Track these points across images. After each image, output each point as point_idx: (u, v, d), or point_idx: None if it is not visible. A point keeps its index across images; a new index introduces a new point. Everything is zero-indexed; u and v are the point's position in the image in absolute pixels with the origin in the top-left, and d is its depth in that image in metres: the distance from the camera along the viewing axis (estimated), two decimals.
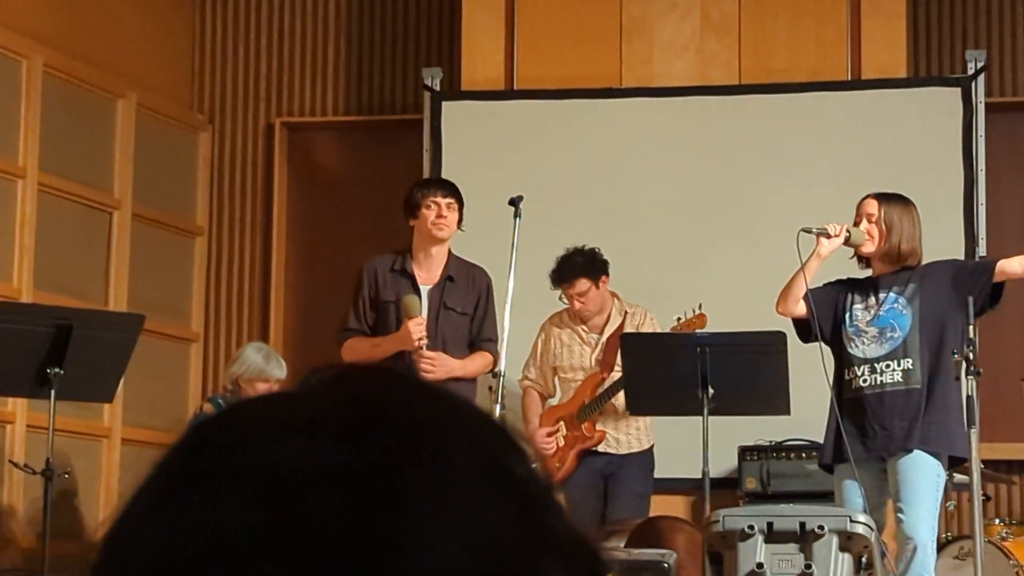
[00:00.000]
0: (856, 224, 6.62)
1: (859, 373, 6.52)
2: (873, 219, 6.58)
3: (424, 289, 7.07)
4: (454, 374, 6.96)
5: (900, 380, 6.45)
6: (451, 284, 7.09)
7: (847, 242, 6.62)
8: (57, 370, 6.73)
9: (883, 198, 6.64)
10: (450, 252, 7.17)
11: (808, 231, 6.63)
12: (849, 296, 6.61)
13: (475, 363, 7.09)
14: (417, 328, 6.83)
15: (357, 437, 0.85)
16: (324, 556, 0.82)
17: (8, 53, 8.31)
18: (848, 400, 6.53)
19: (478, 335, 7.10)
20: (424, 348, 6.85)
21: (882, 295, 6.54)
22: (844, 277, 6.72)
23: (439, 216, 7.04)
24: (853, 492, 6.43)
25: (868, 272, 6.68)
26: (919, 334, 6.46)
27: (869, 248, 6.58)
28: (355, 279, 7.23)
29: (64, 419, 7.10)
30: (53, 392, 6.74)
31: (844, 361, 6.57)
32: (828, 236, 6.61)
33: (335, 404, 0.88)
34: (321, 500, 0.83)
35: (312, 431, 0.85)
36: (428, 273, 7.11)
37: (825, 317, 6.63)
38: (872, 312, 6.55)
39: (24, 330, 6.71)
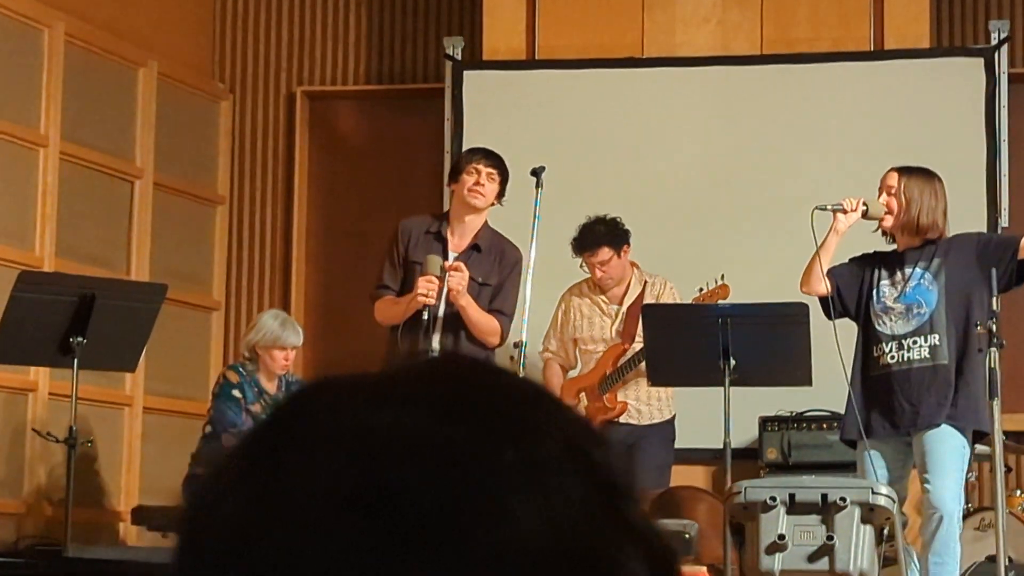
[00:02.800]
0: (880, 195, 6.60)
1: (887, 350, 6.51)
2: (893, 191, 6.56)
3: (452, 256, 7.05)
4: (471, 307, 6.90)
5: (927, 356, 6.44)
6: (477, 254, 7.06)
7: (865, 215, 6.60)
8: (80, 339, 6.75)
9: (905, 171, 6.62)
10: (486, 223, 7.13)
11: (823, 208, 6.62)
12: (876, 272, 6.59)
13: (487, 319, 7.03)
14: (425, 285, 6.80)
15: (450, 411, 0.87)
16: (410, 522, 0.83)
17: (30, 22, 8.32)
18: (875, 377, 6.52)
19: (491, 304, 7.05)
20: (428, 306, 6.80)
21: (908, 271, 6.52)
22: (870, 251, 6.70)
23: (476, 184, 7.01)
24: (876, 464, 6.43)
25: (893, 246, 6.66)
26: (945, 310, 6.45)
27: (888, 221, 6.57)
28: (390, 237, 7.21)
29: (86, 387, 7.13)
30: (76, 361, 6.76)
31: (871, 338, 6.55)
32: (844, 212, 6.59)
33: (430, 381, 0.90)
34: (412, 468, 0.84)
35: (406, 403, 0.88)
36: (460, 240, 7.08)
37: (850, 294, 6.62)
38: (899, 289, 6.53)
39: (48, 300, 6.74)
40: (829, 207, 6.62)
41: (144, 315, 7.03)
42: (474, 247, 7.06)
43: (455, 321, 6.95)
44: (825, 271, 6.58)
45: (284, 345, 7.93)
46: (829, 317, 6.63)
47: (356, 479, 0.85)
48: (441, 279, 6.83)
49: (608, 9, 9.07)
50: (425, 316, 6.80)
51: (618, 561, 0.86)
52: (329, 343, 9.36)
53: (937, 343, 6.44)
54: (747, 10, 8.98)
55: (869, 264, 6.63)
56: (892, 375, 6.48)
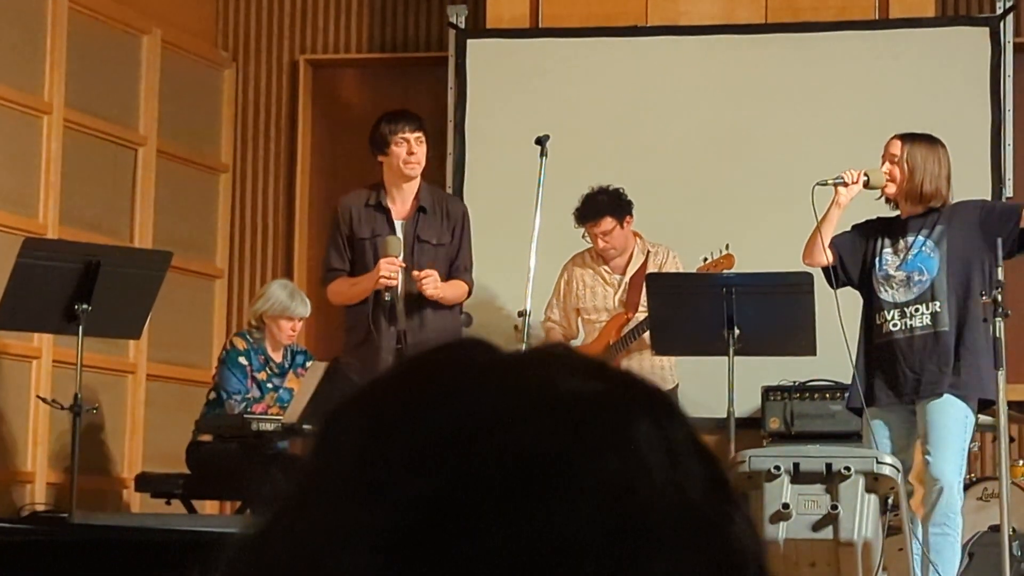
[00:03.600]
0: (883, 164, 6.59)
1: (889, 318, 6.51)
2: (895, 159, 6.55)
3: (398, 224, 7.00)
4: (445, 292, 6.91)
5: (929, 324, 6.44)
6: (423, 216, 7.01)
7: (867, 186, 6.60)
8: (85, 306, 6.76)
9: (907, 138, 6.61)
10: (421, 182, 7.07)
11: (824, 183, 6.61)
12: (879, 241, 6.58)
13: (456, 290, 7.04)
14: (387, 267, 6.77)
15: (588, 372, 0.92)
16: (537, 475, 0.87)
17: None
18: (878, 345, 6.52)
19: (453, 264, 7.04)
20: (395, 288, 6.79)
21: (910, 238, 6.52)
22: (873, 218, 6.70)
23: (410, 153, 6.94)
24: (881, 434, 6.44)
25: (897, 213, 6.66)
26: (947, 277, 6.45)
27: (891, 189, 6.56)
28: (331, 219, 7.16)
29: (90, 355, 7.14)
30: (81, 328, 6.77)
31: (874, 306, 6.56)
32: (845, 185, 6.59)
33: (564, 353, 0.94)
34: (554, 416, 0.89)
35: (545, 365, 0.92)
36: (402, 206, 7.02)
37: (852, 263, 6.62)
38: (901, 256, 6.53)
39: (52, 267, 6.74)
40: (830, 181, 6.61)
41: (149, 282, 7.04)
42: (420, 210, 7.01)
43: (419, 298, 6.92)
44: (827, 243, 6.58)
45: (292, 315, 7.94)
46: (832, 287, 6.63)
47: (500, 405, 0.89)
48: (403, 260, 6.80)
49: None
50: (388, 297, 6.79)
51: (734, 534, 0.90)
52: (330, 312, 9.34)
53: (938, 310, 6.44)
54: None
55: (872, 232, 6.63)
56: (895, 343, 6.49)
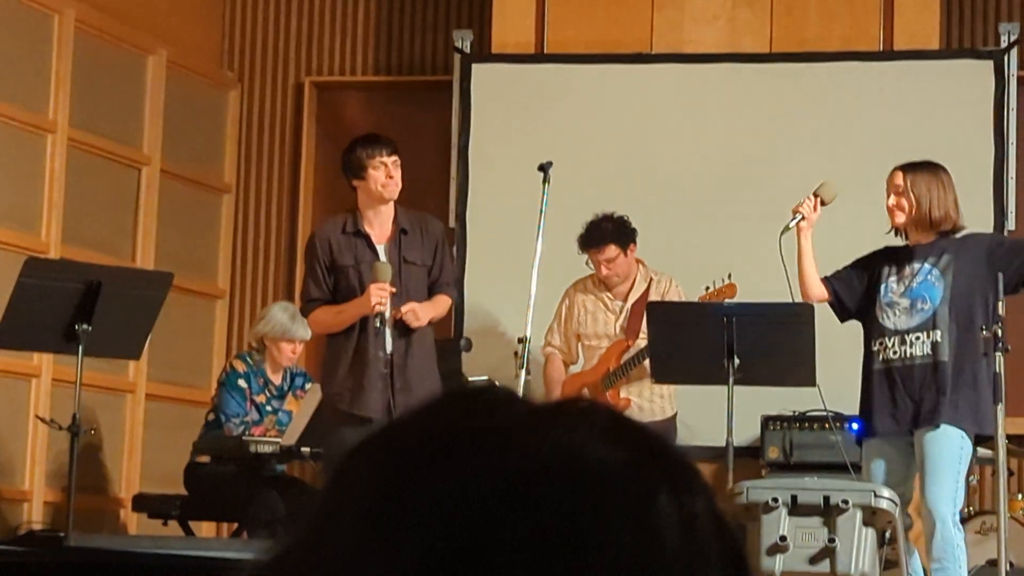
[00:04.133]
0: (887, 199, 6.60)
1: (889, 344, 6.51)
2: (900, 191, 6.55)
3: (380, 247, 6.96)
4: (431, 314, 6.91)
5: (928, 352, 6.43)
6: (405, 237, 6.97)
7: (824, 203, 6.66)
8: (85, 326, 6.75)
9: (909, 168, 6.62)
10: (396, 205, 7.02)
11: (787, 229, 6.65)
12: (884, 268, 6.59)
13: (441, 306, 7.03)
14: (378, 292, 6.74)
15: (611, 436, 0.92)
16: (561, 524, 0.88)
17: (40, 7, 8.32)
18: (877, 371, 6.52)
19: (438, 279, 7.00)
20: (383, 313, 6.77)
21: (916, 266, 6.52)
22: (880, 248, 6.70)
23: (388, 177, 6.88)
24: (878, 466, 6.43)
25: (905, 242, 6.65)
26: (949, 307, 6.44)
27: (900, 219, 6.56)
28: (307, 250, 7.08)
29: (89, 374, 7.13)
30: (81, 348, 6.76)
31: (875, 332, 6.56)
32: (804, 218, 6.64)
33: (591, 410, 0.94)
34: (571, 477, 0.89)
35: (570, 424, 0.92)
36: (381, 230, 6.97)
37: (851, 296, 6.63)
38: (905, 284, 6.53)
39: (54, 286, 6.74)
40: (791, 225, 6.65)
41: (149, 303, 7.03)
42: (401, 232, 6.99)
43: (405, 331, 6.90)
44: (814, 276, 6.61)
45: (292, 338, 7.94)
46: (841, 320, 6.66)
47: (521, 469, 0.88)
48: (392, 284, 6.77)
49: (617, 4, 9.06)
50: (378, 323, 6.76)
51: None
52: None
53: (939, 340, 6.43)
54: (757, 8, 8.97)
55: (876, 262, 6.63)
56: (893, 370, 6.48)
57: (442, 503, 0.87)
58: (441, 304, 7.00)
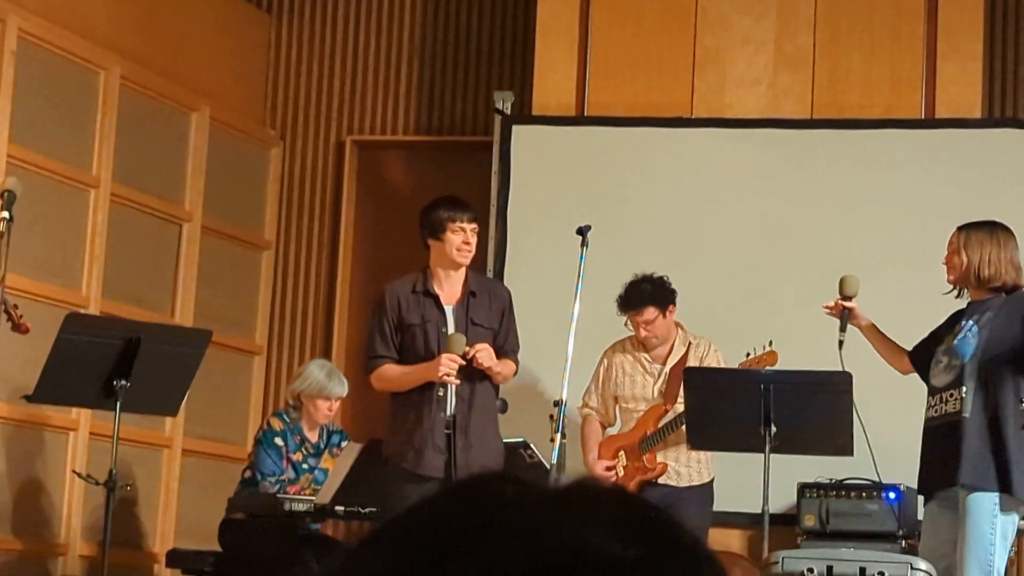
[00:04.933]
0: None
1: (932, 403, 6.50)
2: (952, 249, 6.56)
3: (448, 308, 7.00)
4: (500, 367, 6.92)
5: (956, 410, 6.39)
6: (474, 300, 7.02)
7: (850, 297, 6.72)
8: (124, 383, 6.78)
9: (965, 227, 6.64)
10: (467, 269, 7.08)
11: (842, 342, 6.68)
12: (946, 332, 6.60)
13: (508, 368, 7.06)
14: (448, 363, 6.75)
15: (626, 533, 0.90)
16: None
17: (86, 64, 8.39)
18: (924, 431, 6.53)
19: (503, 346, 7.04)
20: (450, 385, 6.79)
21: (963, 323, 6.50)
22: (948, 317, 6.72)
23: (465, 242, 6.95)
24: (926, 534, 6.40)
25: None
26: (978, 364, 6.38)
27: (950, 277, 6.58)
28: (376, 306, 7.12)
29: (126, 428, 7.15)
30: (119, 404, 6.79)
31: (928, 391, 6.59)
32: (851, 318, 6.68)
33: (608, 501, 0.93)
34: None
35: (586, 518, 0.91)
36: (450, 291, 7.02)
37: (926, 364, 6.65)
38: (952, 341, 6.52)
39: (93, 342, 6.77)
40: (842, 336, 6.69)
41: (188, 360, 7.06)
42: (470, 294, 7.02)
43: (467, 391, 6.91)
44: (894, 355, 6.70)
45: (329, 395, 7.95)
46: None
47: (531, 570, 0.87)
48: (464, 357, 6.79)
49: (659, 68, 9.09)
50: (441, 392, 6.78)
51: None
52: (370, 392, 9.35)
53: (964, 395, 6.38)
54: (798, 74, 8.98)
55: (942, 330, 6.64)
56: (933, 428, 6.46)
57: None
58: (508, 365, 7.03)
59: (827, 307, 6.77)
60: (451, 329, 6.93)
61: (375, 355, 7.02)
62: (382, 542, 0.92)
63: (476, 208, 7.12)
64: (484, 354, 6.84)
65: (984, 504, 6.25)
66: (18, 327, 6.43)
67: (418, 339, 6.93)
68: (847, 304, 6.73)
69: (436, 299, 6.99)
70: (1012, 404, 6.27)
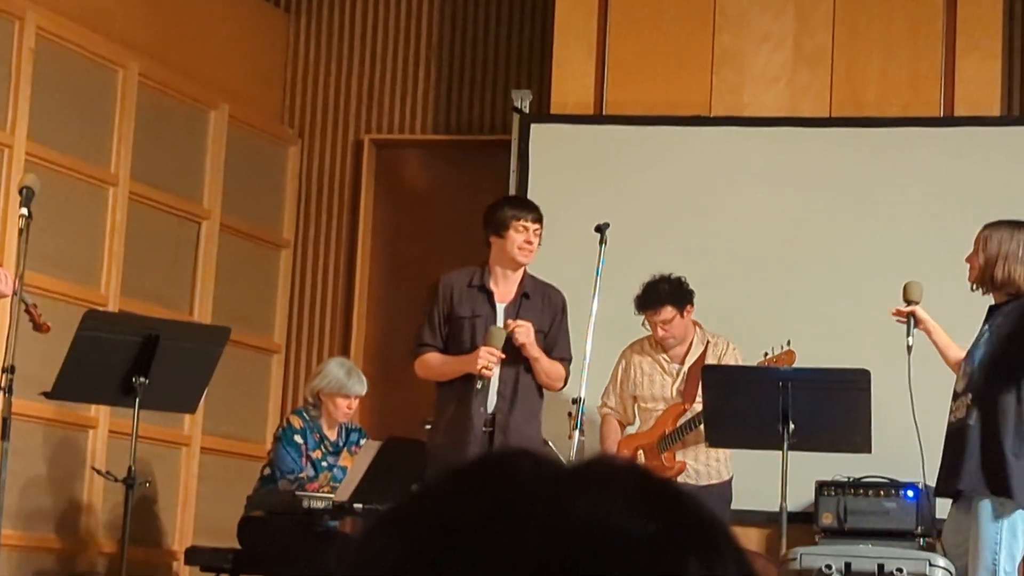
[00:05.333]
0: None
1: (951, 407, 6.48)
2: (975, 247, 6.50)
3: (500, 306, 7.05)
4: (542, 356, 6.92)
5: (963, 416, 6.36)
6: (527, 301, 7.07)
7: (914, 301, 6.64)
8: (142, 379, 6.79)
9: (990, 224, 6.55)
10: (525, 271, 7.13)
11: (911, 347, 6.59)
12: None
13: (554, 366, 7.05)
14: (487, 356, 6.78)
15: (642, 508, 0.90)
16: None
17: (104, 62, 8.41)
18: (945, 434, 6.49)
19: (551, 350, 7.05)
20: (487, 378, 6.80)
21: (984, 327, 6.47)
22: None
23: (527, 242, 7.02)
24: (951, 526, 6.38)
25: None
26: (985, 371, 6.33)
27: (970, 276, 6.51)
28: (430, 294, 7.20)
29: (145, 426, 7.17)
30: (137, 401, 6.80)
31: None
32: (916, 324, 6.60)
33: (624, 477, 0.93)
34: (600, 554, 0.87)
35: (602, 493, 0.90)
36: (505, 290, 7.08)
37: None
38: (969, 347, 6.50)
39: (112, 339, 6.78)
40: (910, 343, 6.60)
41: (206, 358, 7.07)
42: (523, 295, 7.06)
43: (510, 389, 6.92)
44: (954, 356, 6.57)
45: (348, 393, 7.96)
46: None
47: (547, 547, 0.87)
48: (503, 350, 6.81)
49: (677, 66, 9.08)
50: (479, 385, 6.80)
51: None
52: (388, 390, 9.38)
53: (970, 402, 6.34)
54: (817, 72, 8.97)
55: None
56: (949, 433, 6.45)
57: None
58: (556, 366, 7.02)
59: (894, 313, 6.70)
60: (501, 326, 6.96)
61: (422, 342, 7.10)
62: (398, 520, 0.92)
63: (542, 213, 7.12)
64: (523, 330, 6.86)
65: (987, 509, 6.21)
66: (39, 326, 6.44)
67: (465, 332, 6.98)
68: (910, 310, 6.66)
69: (490, 295, 7.03)
70: (1012, 410, 6.21)
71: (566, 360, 7.12)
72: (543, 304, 7.08)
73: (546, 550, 0.87)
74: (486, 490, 0.92)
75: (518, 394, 6.94)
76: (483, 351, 6.79)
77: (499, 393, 6.93)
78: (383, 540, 0.91)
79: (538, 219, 7.07)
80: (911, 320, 6.65)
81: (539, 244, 7.08)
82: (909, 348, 6.60)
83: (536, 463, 0.93)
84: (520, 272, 7.10)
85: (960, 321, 6.77)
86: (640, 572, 0.87)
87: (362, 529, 0.90)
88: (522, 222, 7.01)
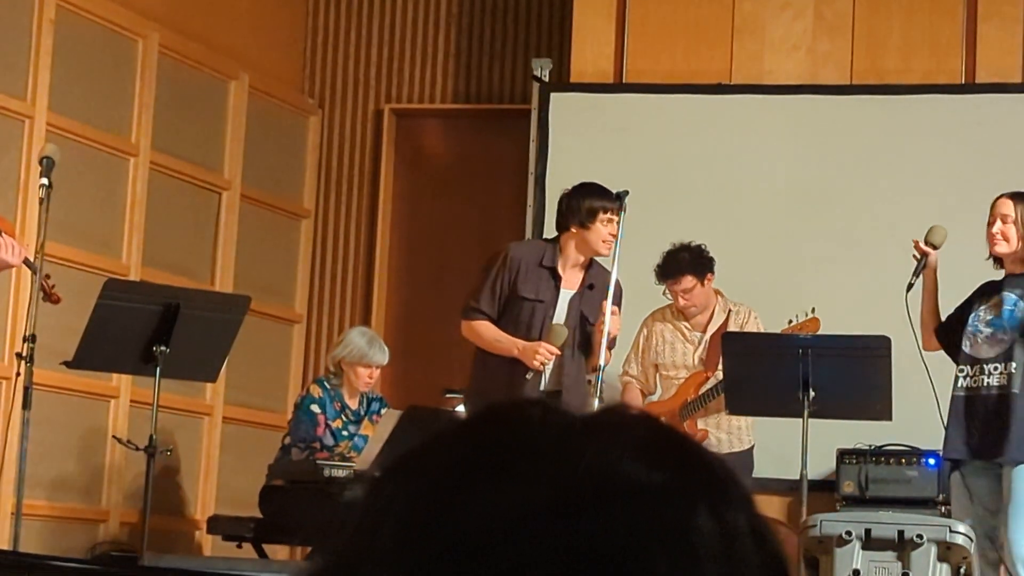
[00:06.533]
0: (990, 224, 6.51)
1: (969, 372, 6.46)
2: (1009, 220, 6.45)
3: (567, 294, 6.95)
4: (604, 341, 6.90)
5: (1003, 384, 6.36)
6: (589, 293, 6.97)
7: (935, 247, 6.59)
8: (163, 348, 6.79)
9: (1018, 196, 6.51)
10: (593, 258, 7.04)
11: (912, 284, 6.58)
12: (977, 300, 6.54)
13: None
14: (545, 354, 6.71)
15: (651, 456, 0.90)
16: (599, 548, 0.86)
17: (124, 32, 8.41)
18: (956, 398, 6.47)
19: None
20: (541, 370, 6.76)
21: (1004, 294, 6.44)
22: (977, 287, 6.64)
23: (612, 234, 6.86)
24: (961, 495, 6.37)
25: (1002, 272, 6.58)
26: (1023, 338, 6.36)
27: (1002, 248, 6.46)
28: (497, 259, 7.01)
29: (166, 396, 7.19)
30: (158, 370, 6.81)
31: (959, 359, 6.52)
32: (925, 265, 6.57)
33: (634, 426, 0.93)
34: (610, 499, 0.87)
35: (611, 440, 0.90)
36: (572, 277, 6.97)
37: (956, 337, 6.56)
38: (992, 313, 6.46)
39: (132, 308, 6.79)
40: (914, 280, 6.59)
41: (227, 326, 7.08)
42: (589, 286, 6.96)
43: (571, 374, 6.89)
44: (929, 329, 6.59)
45: (370, 363, 7.97)
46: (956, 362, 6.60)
47: (556, 494, 0.87)
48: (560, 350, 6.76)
49: (697, 35, 9.06)
50: (528, 376, 6.75)
51: None
52: (409, 359, 9.40)
53: (1013, 371, 6.34)
54: (837, 39, 8.94)
55: (974, 297, 6.58)
56: (968, 399, 6.43)
57: (474, 527, 0.87)
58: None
59: (916, 246, 6.67)
60: (561, 315, 6.87)
61: (477, 307, 6.97)
62: (407, 467, 0.92)
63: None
64: (614, 321, 6.77)
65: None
66: (49, 296, 6.45)
67: (524, 313, 6.87)
68: (926, 250, 6.64)
69: (558, 280, 6.92)
70: None
71: (611, 347, 7.07)
72: (602, 294, 6.94)
73: (555, 496, 0.87)
74: (496, 438, 0.91)
75: (578, 378, 6.92)
76: (543, 349, 6.72)
77: (559, 378, 6.87)
78: (391, 488, 0.91)
79: (621, 207, 6.90)
80: (923, 260, 6.63)
81: None
82: (910, 286, 6.59)
83: (546, 411, 0.93)
84: (589, 258, 7.02)
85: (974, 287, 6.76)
86: (649, 519, 0.87)
87: (371, 477, 0.91)
88: (609, 214, 6.86)
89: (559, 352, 6.77)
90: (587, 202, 6.91)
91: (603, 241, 6.87)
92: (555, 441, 0.90)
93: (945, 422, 6.49)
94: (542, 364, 6.73)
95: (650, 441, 0.91)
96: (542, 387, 6.89)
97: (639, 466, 0.89)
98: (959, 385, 6.48)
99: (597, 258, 7.06)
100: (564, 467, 0.88)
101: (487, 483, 0.88)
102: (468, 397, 7.15)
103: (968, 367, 6.47)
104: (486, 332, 6.93)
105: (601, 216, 6.86)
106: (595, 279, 6.99)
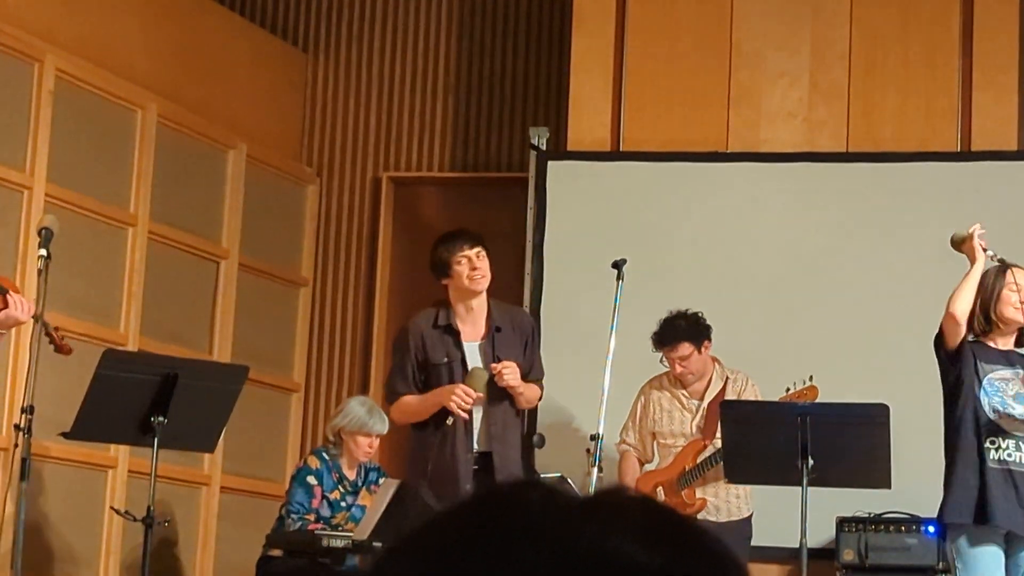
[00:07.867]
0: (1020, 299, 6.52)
1: (1000, 445, 6.42)
2: None
3: (474, 345, 6.95)
4: (525, 389, 6.90)
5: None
6: (499, 335, 6.97)
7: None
8: (161, 419, 6.78)
9: None
10: (489, 300, 7.03)
11: (993, 254, 6.58)
12: (979, 363, 6.49)
13: (533, 391, 7.04)
14: (464, 396, 6.71)
15: (649, 538, 0.90)
16: None
17: (123, 103, 8.45)
18: (993, 470, 6.41)
19: (528, 374, 7.00)
20: (463, 420, 6.76)
21: (1015, 370, 6.45)
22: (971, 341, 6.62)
23: (473, 269, 6.89)
24: (992, 563, 6.36)
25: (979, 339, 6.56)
26: None
27: (1019, 318, 6.46)
28: (400, 341, 7.07)
29: (164, 465, 7.17)
30: (156, 441, 6.79)
31: (984, 427, 6.39)
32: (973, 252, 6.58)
33: (632, 507, 0.93)
34: None
35: (609, 522, 0.91)
36: (473, 328, 6.97)
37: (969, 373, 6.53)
38: (1016, 389, 6.43)
39: (131, 378, 6.78)
40: (990, 252, 6.61)
41: (225, 397, 7.06)
42: (495, 329, 6.98)
43: (498, 423, 6.89)
44: (965, 306, 6.51)
45: (370, 432, 7.95)
46: (948, 343, 6.53)
47: None
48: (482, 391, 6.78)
49: (693, 103, 9.09)
50: (450, 421, 6.75)
51: None
52: (407, 429, 9.36)
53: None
54: (833, 107, 8.98)
55: (988, 360, 6.52)
56: (1008, 471, 6.42)
57: None
58: (533, 389, 7.00)
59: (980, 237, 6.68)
60: (476, 365, 6.90)
61: (394, 391, 7.04)
62: (409, 548, 0.92)
63: (479, 235, 7.01)
64: (510, 373, 6.80)
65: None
66: (60, 348, 6.45)
67: (444, 379, 6.88)
68: (982, 243, 6.65)
69: (456, 336, 6.94)
70: None
71: (541, 379, 7.08)
72: (514, 333, 6.99)
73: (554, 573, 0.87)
74: (497, 520, 0.92)
75: (508, 430, 6.91)
76: (459, 389, 6.73)
77: (489, 433, 6.88)
78: (395, 568, 0.91)
79: (476, 242, 6.92)
80: (994, 254, 6.63)
81: (488, 265, 6.92)
82: (994, 256, 6.56)
83: (547, 493, 0.93)
84: (483, 301, 6.99)
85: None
86: None
87: (374, 558, 0.91)
88: (460, 254, 6.90)
89: (480, 395, 6.76)
90: (438, 254, 6.96)
91: (468, 279, 6.87)
92: (554, 523, 0.90)
93: (951, 487, 6.44)
94: (461, 407, 6.71)
95: (649, 523, 0.91)
96: (475, 446, 6.86)
97: (638, 548, 0.89)
98: (992, 457, 6.42)
99: (502, 300, 7.14)
100: (563, 549, 0.88)
101: (487, 565, 0.88)
102: (410, 473, 7.07)
103: (1000, 440, 6.42)
104: (409, 402, 6.95)
105: (454, 261, 6.88)
106: (500, 321, 6.97)
